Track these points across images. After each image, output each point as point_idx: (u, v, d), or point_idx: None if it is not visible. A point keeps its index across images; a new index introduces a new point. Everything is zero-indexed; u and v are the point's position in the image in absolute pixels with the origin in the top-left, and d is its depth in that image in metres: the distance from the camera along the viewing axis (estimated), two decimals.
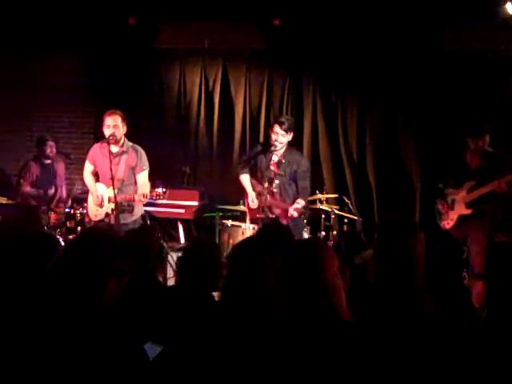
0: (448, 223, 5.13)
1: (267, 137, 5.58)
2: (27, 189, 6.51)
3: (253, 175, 5.66)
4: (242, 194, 5.93)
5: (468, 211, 5.05)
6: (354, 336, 1.90)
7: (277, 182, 5.37)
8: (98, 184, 5.44)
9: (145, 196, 5.11)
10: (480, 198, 4.98)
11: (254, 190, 5.55)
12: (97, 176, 5.52)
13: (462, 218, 5.09)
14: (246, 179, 5.61)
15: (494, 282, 2.86)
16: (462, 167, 5.14)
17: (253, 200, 5.49)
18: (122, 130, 5.25)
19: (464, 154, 5.13)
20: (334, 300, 1.97)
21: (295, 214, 5.26)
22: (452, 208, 5.16)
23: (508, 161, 5.06)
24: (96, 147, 5.49)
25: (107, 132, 5.19)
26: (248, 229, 5.85)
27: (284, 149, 5.43)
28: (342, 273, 2.10)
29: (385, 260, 2.45)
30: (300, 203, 5.30)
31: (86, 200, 5.71)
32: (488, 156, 5.05)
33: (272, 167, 5.42)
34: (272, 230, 3.32)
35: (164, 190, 5.11)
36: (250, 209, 5.64)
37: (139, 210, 5.38)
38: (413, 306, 2.32)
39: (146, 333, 2.46)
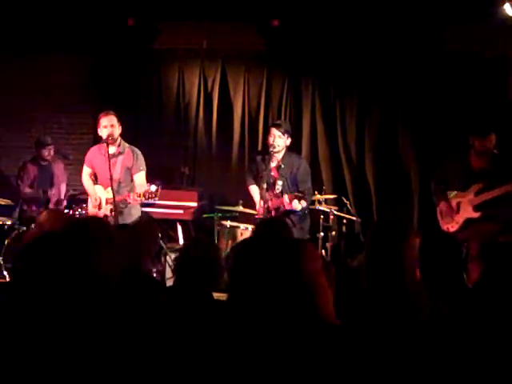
0: (453, 226, 4.99)
1: (265, 145, 5.60)
2: (26, 190, 6.51)
3: (255, 181, 5.66)
4: (244, 197, 5.97)
5: (476, 214, 4.92)
6: (338, 340, 1.86)
7: (280, 183, 5.38)
8: (97, 186, 5.43)
9: (138, 195, 5.06)
10: (489, 201, 4.86)
11: (261, 197, 5.54)
12: (95, 179, 5.51)
13: (468, 222, 4.96)
14: (254, 190, 5.62)
15: (493, 282, 2.84)
16: (466, 169, 5.00)
17: (261, 208, 5.48)
18: (117, 129, 5.27)
19: (468, 155, 5.00)
20: (318, 300, 1.92)
21: (288, 202, 5.21)
22: (458, 211, 5.02)
23: None
24: (94, 150, 5.49)
25: (104, 132, 5.19)
26: (246, 229, 5.86)
27: (283, 153, 5.44)
28: (327, 272, 2.05)
29: (377, 263, 2.44)
30: (302, 204, 5.30)
31: (84, 200, 5.71)
32: (494, 158, 4.93)
33: (272, 172, 5.44)
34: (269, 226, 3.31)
35: (156, 188, 5.00)
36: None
37: (137, 212, 5.37)
38: (405, 309, 2.31)
39: (144, 331, 2.45)
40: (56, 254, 2.05)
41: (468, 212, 4.97)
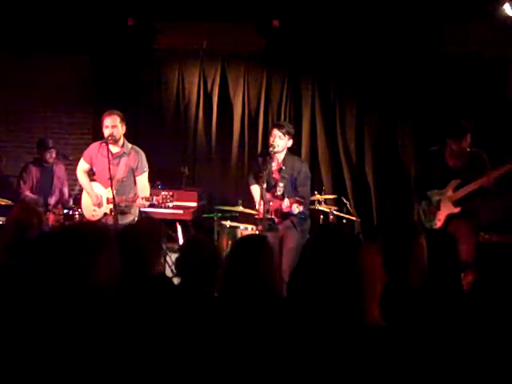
0: (435, 224, 5.13)
1: (266, 145, 5.61)
2: (27, 194, 6.52)
3: (256, 181, 5.67)
4: (243, 197, 5.98)
5: (456, 209, 5.05)
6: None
7: (281, 185, 5.39)
8: (94, 183, 5.45)
9: (147, 199, 5.13)
10: (466, 196, 5.01)
11: (262, 198, 5.55)
12: (91, 175, 5.53)
13: (449, 218, 5.09)
14: (255, 190, 5.63)
15: (491, 282, 2.84)
16: (443, 168, 5.15)
17: (260, 208, 5.50)
18: (120, 130, 5.26)
19: (444, 154, 5.14)
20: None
21: (288, 205, 5.23)
22: (438, 208, 5.15)
23: (487, 158, 5.10)
24: (94, 146, 5.49)
25: (106, 132, 5.21)
26: (246, 229, 5.87)
27: (284, 155, 5.44)
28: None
29: (387, 261, 2.45)
30: (299, 208, 5.29)
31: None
32: (469, 155, 5.09)
33: (274, 174, 5.45)
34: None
35: (171, 193, 5.15)
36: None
37: (135, 211, 5.39)
38: (411, 308, 2.33)
39: (145, 329, 2.45)
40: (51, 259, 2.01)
41: (449, 208, 5.09)
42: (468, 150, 5.09)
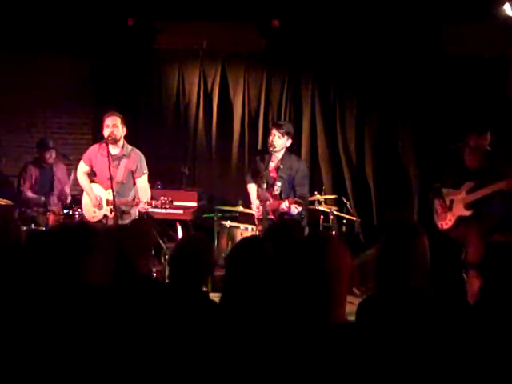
0: (446, 223, 5.00)
1: (265, 144, 5.62)
2: (28, 193, 6.52)
3: (254, 180, 5.67)
4: (243, 197, 5.98)
5: (468, 212, 4.92)
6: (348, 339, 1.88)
7: (278, 184, 5.39)
8: (94, 185, 5.47)
9: (148, 204, 5.18)
10: (480, 199, 4.87)
11: (258, 197, 5.55)
12: (91, 176, 5.55)
13: (460, 220, 4.96)
14: (251, 188, 5.64)
15: (492, 282, 2.84)
16: (459, 167, 4.99)
17: (257, 207, 5.51)
18: (120, 130, 5.27)
19: (462, 153, 4.99)
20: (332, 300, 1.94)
21: (287, 205, 5.22)
22: (450, 209, 5.03)
23: (506, 159, 4.92)
24: (94, 148, 5.50)
25: (106, 132, 5.22)
26: (246, 229, 5.87)
27: (282, 154, 5.45)
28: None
29: (390, 262, 2.45)
30: (298, 209, 5.29)
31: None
32: (487, 155, 4.91)
33: (271, 173, 5.45)
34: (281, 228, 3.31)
35: (170, 199, 5.20)
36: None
37: (136, 211, 5.40)
38: (414, 307, 2.33)
39: (136, 329, 2.45)
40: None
41: (460, 210, 4.98)
42: (487, 149, 4.89)
